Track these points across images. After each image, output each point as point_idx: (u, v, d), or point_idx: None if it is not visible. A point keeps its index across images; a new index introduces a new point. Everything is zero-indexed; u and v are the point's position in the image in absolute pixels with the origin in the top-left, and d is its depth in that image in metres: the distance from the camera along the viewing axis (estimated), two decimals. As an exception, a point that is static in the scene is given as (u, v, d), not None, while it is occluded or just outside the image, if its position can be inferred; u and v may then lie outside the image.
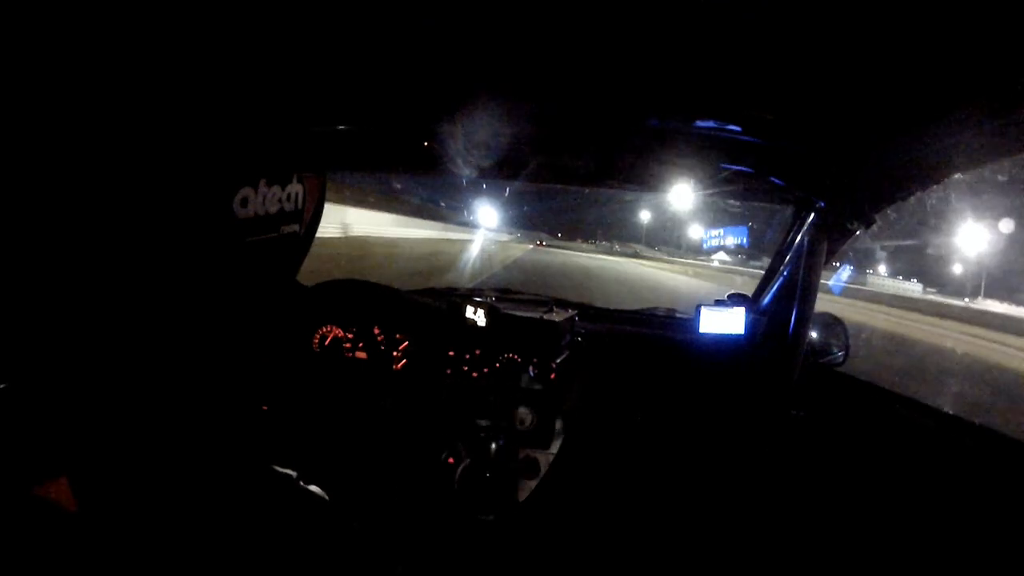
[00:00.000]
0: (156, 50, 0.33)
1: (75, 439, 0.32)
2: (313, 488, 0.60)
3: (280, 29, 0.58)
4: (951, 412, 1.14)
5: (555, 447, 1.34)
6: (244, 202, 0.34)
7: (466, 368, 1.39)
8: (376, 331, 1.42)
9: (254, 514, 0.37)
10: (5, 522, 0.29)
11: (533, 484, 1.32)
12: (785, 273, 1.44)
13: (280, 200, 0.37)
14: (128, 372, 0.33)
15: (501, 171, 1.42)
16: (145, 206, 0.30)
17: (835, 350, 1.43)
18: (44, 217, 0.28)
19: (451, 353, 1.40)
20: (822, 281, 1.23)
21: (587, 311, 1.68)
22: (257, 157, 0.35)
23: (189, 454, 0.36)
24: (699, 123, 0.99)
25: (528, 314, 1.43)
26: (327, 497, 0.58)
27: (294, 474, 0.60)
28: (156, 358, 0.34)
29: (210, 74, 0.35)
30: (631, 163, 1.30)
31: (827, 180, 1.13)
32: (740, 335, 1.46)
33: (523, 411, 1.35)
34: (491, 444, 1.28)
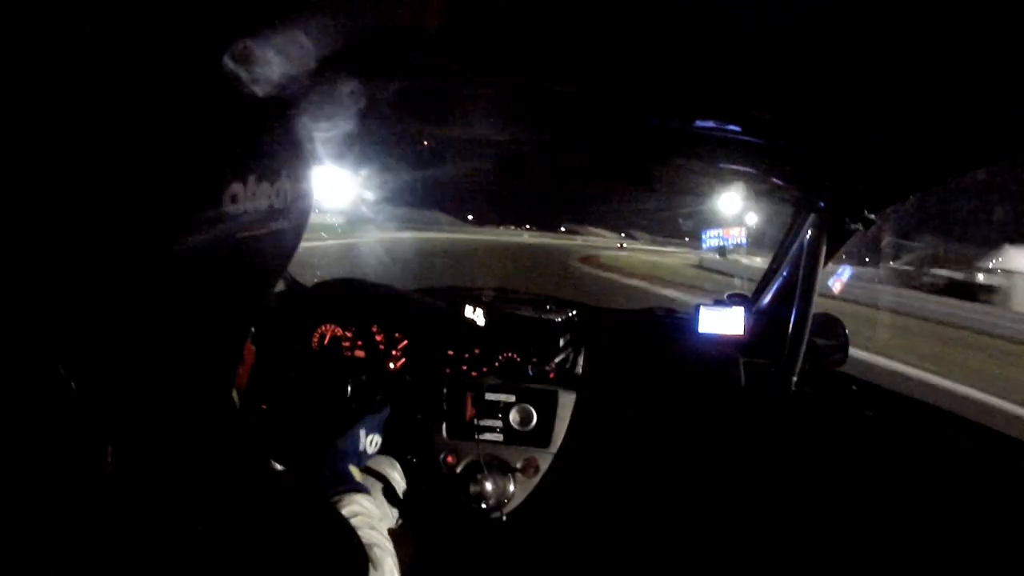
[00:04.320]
0: (150, 46, 0.33)
1: (71, 439, 0.32)
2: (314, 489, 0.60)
3: (275, 27, 0.58)
4: (953, 412, 1.14)
5: (555, 447, 1.34)
6: (234, 198, 0.34)
7: (465, 368, 1.39)
8: (375, 330, 1.42)
9: (253, 513, 0.37)
10: (6, 521, 0.29)
11: (533, 484, 1.31)
12: (785, 273, 1.43)
13: (269, 196, 0.37)
14: (123, 371, 0.33)
15: (500, 170, 1.41)
16: (136, 202, 0.30)
17: (835, 350, 1.42)
18: (35, 213, 0.28)
19: (450, 352, 1.39)
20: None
21: (586, 310, 1.68)
22: (247, 153, 0.35)
23: (186, 454, 0.35)
24: (699, 123, 0.99)
25: (527, 313, 1.42)
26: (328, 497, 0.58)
27: (294, 474, 0.60)
28: (151, 356, 0.34)
29: (204, 71, 0.35)
30: (631, 163, 1.30)
31: (827, 180, 1.12)
32: (739, 335, 1.46)
33: (523, 411, 1.35)
34: (491, 443, 1.28)
